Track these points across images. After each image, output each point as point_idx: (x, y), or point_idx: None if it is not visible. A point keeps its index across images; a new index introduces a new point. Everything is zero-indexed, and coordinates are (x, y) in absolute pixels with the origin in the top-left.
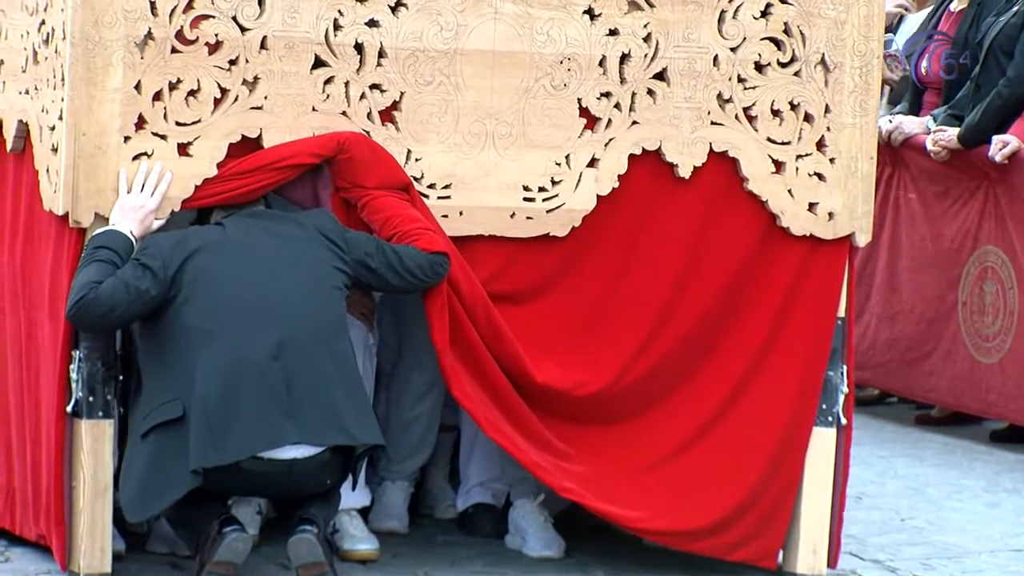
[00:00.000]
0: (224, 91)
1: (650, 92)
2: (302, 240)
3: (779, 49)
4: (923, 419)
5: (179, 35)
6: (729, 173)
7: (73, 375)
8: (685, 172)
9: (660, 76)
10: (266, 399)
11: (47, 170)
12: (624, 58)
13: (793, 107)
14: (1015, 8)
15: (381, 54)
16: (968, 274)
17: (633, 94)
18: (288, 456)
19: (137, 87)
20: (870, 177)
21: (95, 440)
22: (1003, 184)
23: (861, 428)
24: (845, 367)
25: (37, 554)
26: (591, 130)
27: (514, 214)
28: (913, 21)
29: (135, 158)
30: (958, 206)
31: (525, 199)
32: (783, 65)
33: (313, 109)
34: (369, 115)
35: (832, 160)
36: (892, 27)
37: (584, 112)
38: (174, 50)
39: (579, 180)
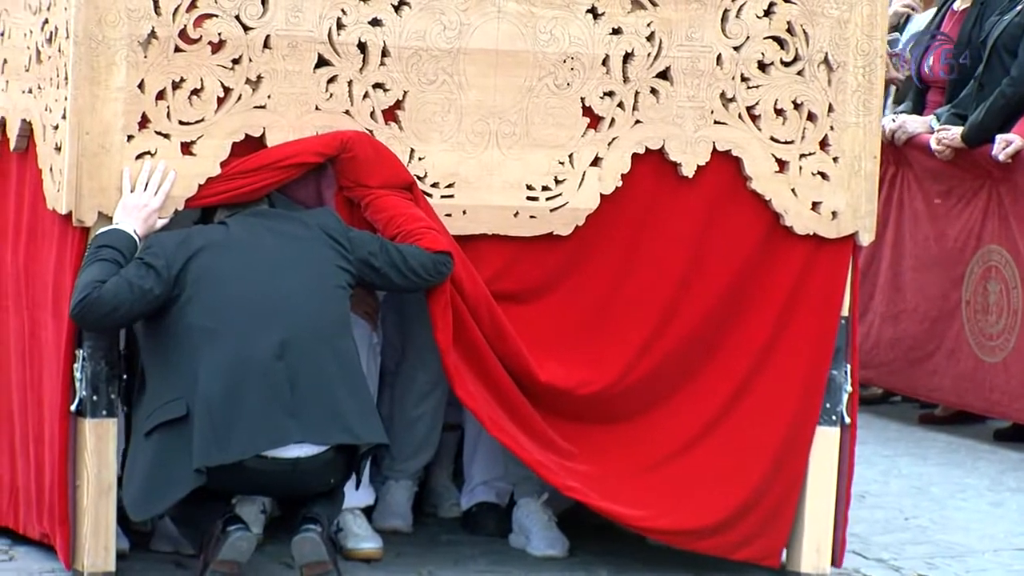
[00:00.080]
0: (227, 90)
1: (653, 91)
2: (306, 239)
3: (782, 48)
4: (927, 418)
5: (182, 34)
6: (732, 172)
7: (77, 374)
8: (688, 171)
9: (663, 75)
10: (270, 398)
11: (51, 169)
12: (627, 57)
13: (796, 106)
14: (1019, 7)
15: (384, 53)
16: (972, 273)
17: (636, 93)
18: (292, 455)
19: (140, 86)
20: (873, 176)
21: (99, 439)
22: (1007, 183)
23: (865, 427)
24: (849, 366)
25: (41, 553)
26: (594, 129)
27: (517, 213)
28: (920, 20)
29: (138, 157)
30: (962, 205)
31: (528, 198)
32: (786, 64)
33: (316, 108)
34: (372, 114)
35: (835, 159)
36: (899, 26)
37: (587, 111)
38: (177, 49)
39: (582, 179)
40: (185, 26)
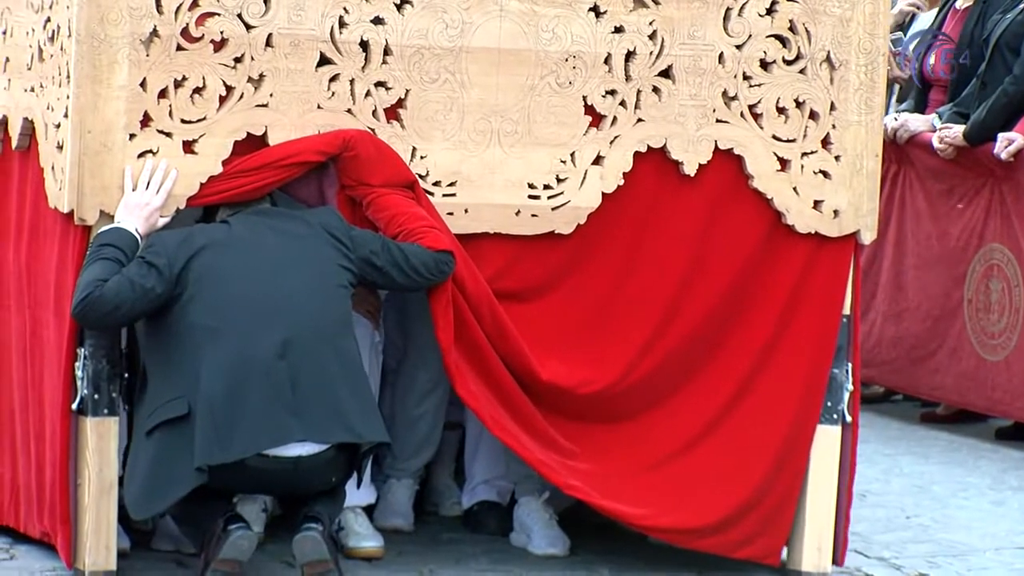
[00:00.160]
0: (229, 88)
1: (655, 90)
2: (308, 238)
3: (784, 47)
4: (928, 417)
5: (184, 32)
6: (734, 171)
7: (78, 372)
8: (690, 170)
9: (665, 74)
10: (271, 397)
11: (52, 167)
12: (629, 56)
13: (798, 105)
14: (1021, 6)
15: (386, 51)
16: (974, 272)
17: (638, 92)
18: (293, 454)
19: (142, 84)
20: (875, 175)
21: (100, 438)
22: (1009, 182)
23: (866, 426)
24: (850, 365)
25: (42, 551)
26: (596, 128)
27: (519, 212)
28: (925, 19)
29: (140, 155)
30: (964, 204)
31: (530, 197)
32: (788, 63)
33: (318, 107)
34: (374, 112)
35: (837, 158)
36: (904, 25)
37: (589, 110)
38: (179, 47)
39: (584, 178)
40: (187, 24)
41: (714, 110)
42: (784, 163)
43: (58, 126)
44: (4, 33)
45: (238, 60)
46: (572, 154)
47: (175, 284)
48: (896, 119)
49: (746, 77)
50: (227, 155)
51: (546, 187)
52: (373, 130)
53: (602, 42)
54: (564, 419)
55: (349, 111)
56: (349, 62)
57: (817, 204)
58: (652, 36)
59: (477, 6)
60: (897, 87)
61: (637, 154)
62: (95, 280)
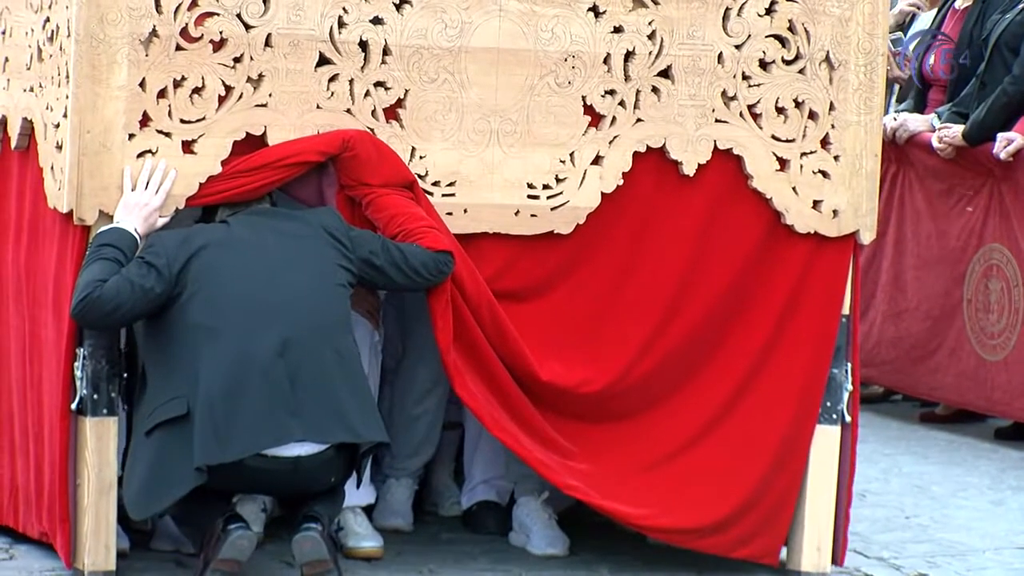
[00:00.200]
0: (228, 88)
1: (655, 90)
2: (307, 238)
3: (784, 46)
4: (928, 417)
5: (183, 32)
6: (733, 171)
7: (77, 372)
8: (689, 170)
9: (664, 74)
10: (270, 397)
11: (51, 167)
12: (629, 55)
13: (798, 104)
14: (1021, 6)
15: (386, 51)
16: (973, 272)
17: (637, 92)
18: (292, 453)
19: (142, 84)
20: (875, 175)
21: (99, 438)
22: (1008, 182)
23: (866, 426)
24: (850, 365)
25: (41, 551)
26: (595, 128)
27: (518, 212)
28: (925, 19)
29: (139, 155)
30: (963, 204)
31: (529, 197)
32: (788, 63)
33: (317, 107)
34: (373, 112)
35: (836, 158)
36: (905, 25)
37: (588, 110)
38: (179, 47)
39: (583, 178)
40: (186, 24)
41: (713, 110)
42: (783, 163)
43: (57, 126)
44: (3, 33)
45: (237, 60)
46: (571, 154)
47: (174, 284)
48: (895, 119)
49: (745, 77)
50: (226, 155)
51: (545, 187)
52: (372, 130)
53: (601, 42)
54: (563, 419)
55: (348, 111)
56: (348, 62)
57: (816, 204)
58: (651, 36)
59: (476, 6)
60: (897, 87)
61: (636, 154)
62: (94, 280)
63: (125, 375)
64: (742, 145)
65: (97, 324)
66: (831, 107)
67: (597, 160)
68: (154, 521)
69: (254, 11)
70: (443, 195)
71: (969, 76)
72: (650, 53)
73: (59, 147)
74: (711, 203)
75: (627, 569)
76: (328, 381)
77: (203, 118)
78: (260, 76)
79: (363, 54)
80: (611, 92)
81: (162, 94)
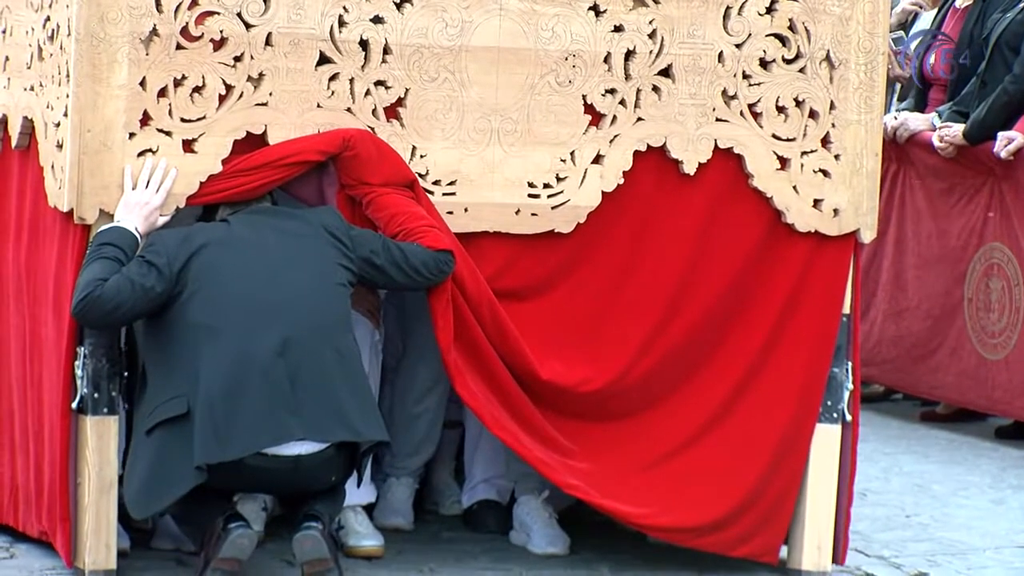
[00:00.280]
0: (229, 87)
1: (655, 89)
2: (307, 237)
3: (784, 45)
4: (928, 416)
5: (184, 31)
6: (734, 169)
7: (78, 371)
8: (690, 169)
9: (665, 73)
10: (271, 396)
11: (52, 166)
12: (629, 54)
13: (798, 103)
14: (1021, 5)
15: (386, 50)
16: (974, 271)
17: (638, 91)
18: (293, 452)
19: (142, 83)
20: (875, 174)
21: (100, 437)
22: (1008, 180)
23: (866, 424)
24: (850, 364)
25: (42, 550)
26: (596, 127)
27: (519, 211)
28: (927, 19)
29: (140, 154)
30: (963, 203)
31: (530, 196)
32: (788, 61)
33: (318, 106)
34: (374, 111)
35: (837, 157)
36: (907, 24)
37: (589, 109)
38: (179, 46)
39: (584, 177)
40: (187, 23)
41: (714, 109)
42: (784, 162)
43: (58, 125)
44: (4, 32)
45: (238, 59)
46: (572, 153)
47: (175, 283)
48: (896, 118)
49: (746, 76)
50: (227, 154)
51: (546, 186)
52: (373, 129)
53: (602, 41)
54: (563, 418)
55: (349, 110)
56: (349, 61)
57: (817, 203)
58: (652, 35)
59: (477, 5)
60: (898, 86)
61: (637, 153)
62: (95, 279)
63: (126, 374)
64: (743, 144)
65: (98, 323)
66: (832, 106)
67: (598, 159)
68: (155, 520)
69: (254, 10)
70: (444, 194)
71: (969, 75)
72: (651, 52)
73: (59, 146)
74: (711, 202)
75: (627, 568)
76: (328, 380)
77: (203, 117)
78: (260, 75)
79: (363, 53)
80: (612, 91)
81: (162, 93)
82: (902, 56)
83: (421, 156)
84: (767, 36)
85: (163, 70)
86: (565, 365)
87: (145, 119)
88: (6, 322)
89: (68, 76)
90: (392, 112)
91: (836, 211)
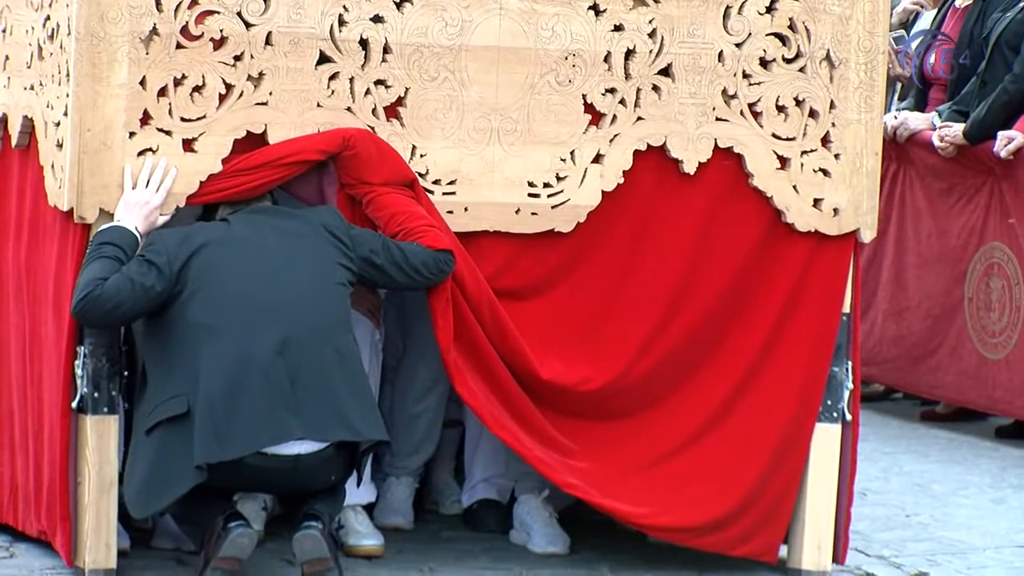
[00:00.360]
0: (229, 87)
1: (655, 88)
2: (307, 237)
3: (784, 45)
4: (928, 415)
5: (184, 31)
6: (734, 169)
7: (78, 371)
8: (690, 168)
9: (665, 72)
10: (270, 395)
11: (52, 166)
12: (629, 54)
13: (798, 103)
14: (1021, 4)
15: (386, 50)
16: (974, 270)
17: (638, 90)
18: (292, 452)
19: (142, 83)
20: (875, 173)
21: (100, 436)
22: (1008, 180)
23: (866, 424)
24: (850, 363)
25: (42, 549)
26: (596, 126)
27: (519, 210)
28: (928, 18)
29: (140, 154)
30: (963, 202)
31: (530, 195)
32: (788, 61)
33: (318, 105)
34: (374, 111)
35: (837, 156)
36: (908, 24)
37: (589, 108)
38: (179, 46)
39: (584, 176)
40: (187, 23)
41: (714, 108)
42: (784, 161)
43: (58, 124)
44: (4, 31)
45: (238, 58)
46: (572, 152)
47: (175, 282)
48: (896, 117)
49: (746, 75)
50: (227, 153)
51: (546, 185)
52: (373, 128)
53: (602, 40)
54: (563, 417)
55: (349, 109)
56: (349, 60)
57: (817, 202)
58: (652, 34)
59: (477, 4)
60: (899, 85)
61: (637, 152)
62: (95, 279)
63: (126, 373)
64: (743, 143)
65: (98, 322)
66: (832, 105)
67: (598, 158)
68: (155, 519)
69: (254, 9)
70: (444, 193)
71: (969, 75)
72: (651, 51)
73: (59, 145)
74: (711, 201)
75: (627, 567)
76: (328, 380)
77: (203, 116)
78: (260, 74)
79: (363, 52)
80: (612, 90)
81: (163, 92)
82: (902, 55)
83: (421, 155)
84: (767, 35)
85: (163, 69)
86: (565, 364)
87: (145, 118)
88: (6, 321)
89: (68, 75)
90: (392, 111)
91: (836, 210)
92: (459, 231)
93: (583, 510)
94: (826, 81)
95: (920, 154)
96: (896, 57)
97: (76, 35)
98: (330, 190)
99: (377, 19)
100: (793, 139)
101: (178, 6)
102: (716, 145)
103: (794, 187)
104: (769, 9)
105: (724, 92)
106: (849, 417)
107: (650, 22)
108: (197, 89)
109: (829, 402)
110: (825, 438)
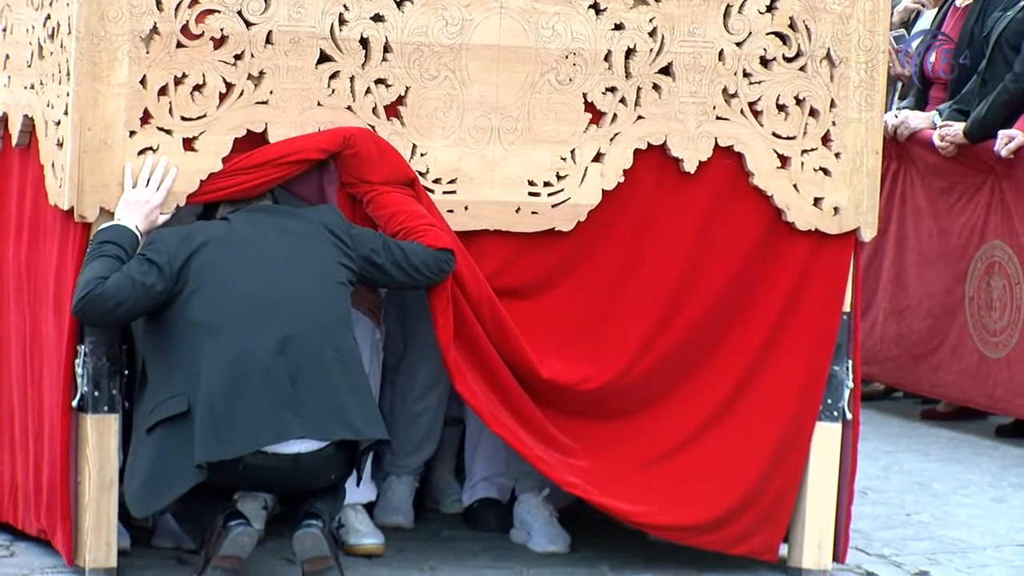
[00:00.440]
0: (229, 86)
1: (655, 87)
2: (308, 236)
3: (784, 44)
4: (929, 414)
5: (184, 30)
6: (734, 168)
7: (78, 370)
8: (690, 167)
9: (665, 71)
10: (271, 394)
11: (52, 165)
12: (629, 53)
13: (798, 102)
14: (1021, 3)
15: (386, 49)
16: (975, 269)
17: (638, 89)
18: (293, 451)
19: (142, 82)
20: (876, 172)
21: (100, 435)
22: (1009, 179)
23: (866, 423)
24: (850, 362)
25: (42, 548)
26: (596, 125)
27: (519, 209)
28: (929, 17)
29: (140, 153)
30: (964, 201)
31: (530, 194)
32: (788, 60)
33: (318, 104)
34: (374, 110)
35: (837, 155)
36: (909, 23)
37: (589, 107)
38: (179, 45)
39: (584, 175)
40: (187, 22)
41: (714, 107)
42: (784, 160)
43: (58, 123)
44: (4, 30)
45: (238, 57)
46: (572, 151)
47: (175, 281)
48: (896, 116)
49: (746, 74)
50: (227, 152)
51: (546, 184)
52: (373, 127)
53: (602, 39)
54: (563, 416)
55: (349, 108)
56: (349, 59)
57: (817, 201)
58: (652, 33)
59: (477, 3)
60: (899, 84)
61: (637, 151)
62: (95, 278)
63: (126, 372)
64: (743, 142)
65: (98, 321)
66: (832, 104)
67: (598, 157)
68: (155, 518)
69: (255, 8)
70: (444, 192)
71: (970, 74)
72: (651, 50)
73: (60, 144)
74: (712, 200)
75: (628, 566)
76: (328, 379)
77: (204, 115)
78: (261, 73)
79: (364, 51)
80: (612, 89)
81: (163, 91)
82: (903, 54)
83: (421, 154)
84: (768, 34)
85: (163, 68)
86: (565, 363)
87: (145, 117)
88: (6, 320)
89: (68, 74)
90: (392, 110)
91: (836, 209)
92: (459, 230)
93: (583, 509)
94: (826, 80)
95: (921, 153)
96: (896, 56)
97: (76, 34)
98: (330, 189)
99: (377, 18)
100: (793, 138)
101: (179, 5)
102: (716, 144)
103: (794, 186)
104: (770, 8)
105: (724, 91)
106: (849, 416)
107: (650, 21)
108: (197, 88)
109: (829, 401)
110: (825, 437)
